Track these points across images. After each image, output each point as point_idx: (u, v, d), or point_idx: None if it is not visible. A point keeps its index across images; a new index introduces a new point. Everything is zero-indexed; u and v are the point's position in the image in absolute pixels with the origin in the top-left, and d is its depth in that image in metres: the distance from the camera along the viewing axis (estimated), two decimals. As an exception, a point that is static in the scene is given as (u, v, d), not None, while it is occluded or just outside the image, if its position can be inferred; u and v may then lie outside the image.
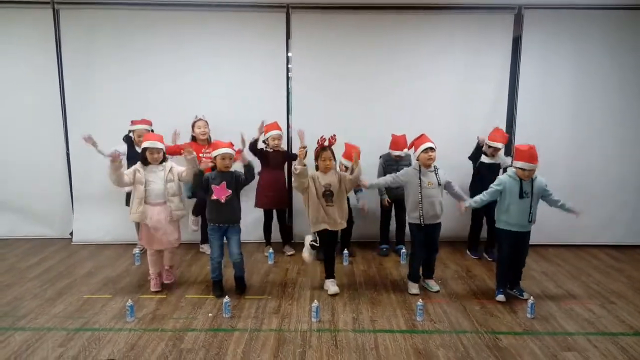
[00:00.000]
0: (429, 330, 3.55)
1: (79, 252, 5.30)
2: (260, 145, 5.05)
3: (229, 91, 5.45)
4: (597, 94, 5.43)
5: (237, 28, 5.37)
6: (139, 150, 4.27)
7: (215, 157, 3.99)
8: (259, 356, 3.17)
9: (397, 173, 4.26)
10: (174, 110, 5.38)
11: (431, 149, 4.08)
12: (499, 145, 4.86)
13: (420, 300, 3.77)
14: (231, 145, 4.04)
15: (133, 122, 4.99)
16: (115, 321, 3.64)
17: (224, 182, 3.97)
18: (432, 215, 4.10)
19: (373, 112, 5.48)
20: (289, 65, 5.51)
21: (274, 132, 5.00)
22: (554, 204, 4.06)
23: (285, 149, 5.36)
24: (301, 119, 5.44)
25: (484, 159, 4.95)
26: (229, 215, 4.05)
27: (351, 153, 4.37)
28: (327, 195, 4.10)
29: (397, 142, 5.03)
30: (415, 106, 5.48)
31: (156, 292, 4.15)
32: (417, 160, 4.16)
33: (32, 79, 5.46)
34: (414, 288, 4.20)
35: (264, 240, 5.32)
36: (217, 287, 4.14)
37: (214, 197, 3.98)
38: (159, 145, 4.02)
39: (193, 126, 5.07)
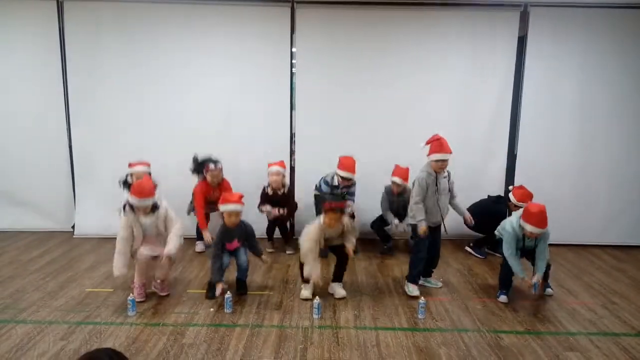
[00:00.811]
0: (430, 328, 3.55)
1: (80, 246, 5.31)
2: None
3: (232, 85, 5.44)
4: (603, 93, 5.41)
5: (242, 23, 5.35)
6: None
7: (223, 212, 3.89)
8: (260, 352, 3.16)
9: (415, 186, 4.00)
10: (178, 103, 5.39)
11: (444, 160, 3.90)
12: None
13: (422, 298, 3.77)
14: (240, 199, 3.91)
15: (131, 165, 4.74)
16: (117, 315, 3.64)
17: (235, 239, 3.96)
18: (439, 218, 4.07)
19: (377, 108, 5.47)
20: (293, 61, 5.49)
21: (274, 168, 4.97)
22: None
23: (287, 182, 5.23)
24: (305, 114, 5.44)
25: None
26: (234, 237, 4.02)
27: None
28: (322, 254, 4.08)
29: (400, 173, 4.95)
30: (419, 102, 5.47)
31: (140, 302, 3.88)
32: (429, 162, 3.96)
33: (35, 73, 5.45)
34: (415, 290, 4.09)
35: (266, 236, 5.31)
36: (213, 288, 3.99)
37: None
38: (148, 202, 3.78)
39: (206, 169, 4.84)
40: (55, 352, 3.11)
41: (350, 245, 3.93)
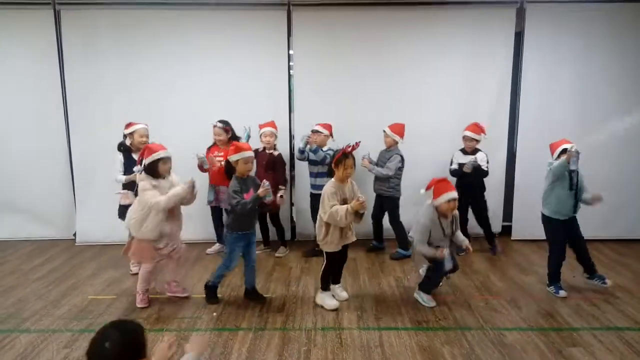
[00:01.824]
0: (433, 327, 3.55)
1: (82, 253, 5.31)
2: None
3: (231, 89, 5.43)
4: (601, 87, 5.41)
5: (238, 26, 5.36)
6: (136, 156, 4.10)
7: (237, 160, 3.73)
8: (264, 355, 3.17)
9: (421, 219, 3.84)
10: (176, 108, 5.39)
11: (455, 199, 3.77)
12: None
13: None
14: (250, 148, 3.89)
15: (129, 125, 4.54)
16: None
17: (251, 189, 3.78)
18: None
19: (375, 108, 5.46)
20: (291, 63, 5.50)
21: (267, 129, 5.00)
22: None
23: (278, 151, 5.13)
24: (303, 116, 5.45)
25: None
26: (254, 220, 3.94)
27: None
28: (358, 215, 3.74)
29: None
30: (418, 101, 5.47)
31: (143, 308, 3.89)
32: (435, 207, 3.81)
33: (33, 80, 5.46)
34: (431, 301, 3.93)
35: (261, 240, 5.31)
36: (215, 294, 4.01)
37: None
38: (170, 155, 3.80)
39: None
40: (59, 361, 3.12)
41: (363, 197, 3.63)
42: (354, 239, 3.92)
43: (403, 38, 5.38)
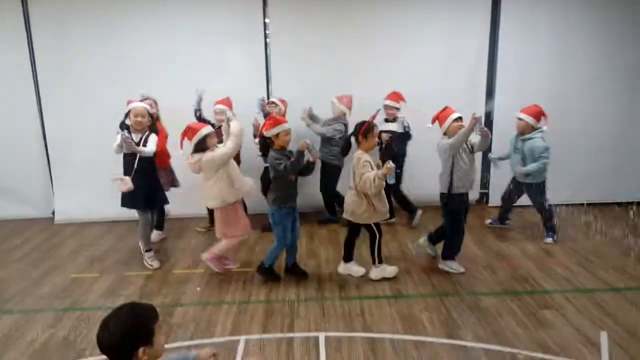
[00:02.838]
0: (412, 294, 3.65)
1: (62, 231, 5.28)
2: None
3: (206, 63, 5.35)
4: (577, 55, 5.46)
5: (215, 4, 5.26)
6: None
7: (277, 134, 3.66)
8: (248, 327, 3.24)
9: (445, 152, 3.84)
10: (150, 85, 5.26)
11: (460, 117, 3.86)
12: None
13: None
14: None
15: (128, 103, 4.21)
16: (104, 299, 3.67)
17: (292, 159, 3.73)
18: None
19: (353, 77, 5.42)
20: (267, 32, 5.40)
21: (218, 107, 4.79)
22: None
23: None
24: (280, 88, 5.41)
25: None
26: (296, 193, 3.87)
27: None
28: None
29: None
30: (396, 73, 5.44)
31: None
32: (446, 133, 3.87)
33: (3, 63, 5.32)
34: (460, 267, 4.02)
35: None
36: (274, 272, 3.95)
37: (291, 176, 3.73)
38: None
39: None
40: (45, 340, 3.14)
41: (392, 164, 3.58)
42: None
43: (379, 8, 5.33)
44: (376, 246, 3.87)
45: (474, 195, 5.81)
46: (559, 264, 4.15)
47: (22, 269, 4.28)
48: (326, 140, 5.01)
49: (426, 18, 5.41)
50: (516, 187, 4.79)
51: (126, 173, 3.99)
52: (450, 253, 4.05)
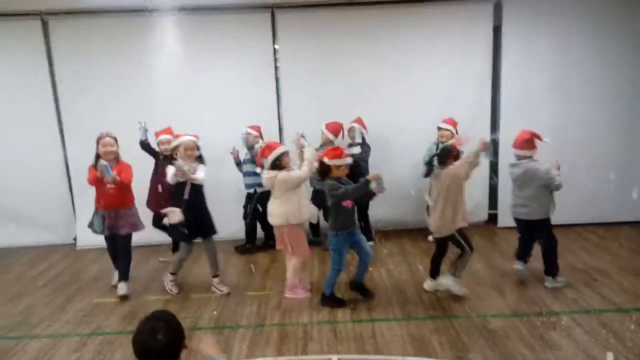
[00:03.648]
0: (422, 317, 3.76)
1: (84, 257, 5.47)
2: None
3: (218, 92, 5.59)
4: (578, 77, 5.60)
5: (225, 29, 5.50)
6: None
7: (339, 166, 3.80)
8: (264, 351, 3.37)
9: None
10: (166, 112, 5.51)
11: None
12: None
13: None
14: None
15: (177, 136, 4.38)
16: (126, 324, 3.83)
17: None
18: None
19: (360, 104, 5.59)
20: (277, 64, 5.63)
21: (163, 137, 4.86)
22: None
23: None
24: (290, 116, 5.61)
25: None
26: (355, 217, 4.01)
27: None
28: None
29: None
30: (401, 95, 5.64)
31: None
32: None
33: (25, 90, 5.59)
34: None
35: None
36: (337, 298, 4.04)
37: (345, 204, 3.84)
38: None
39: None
40: (71, 365, 3.30)
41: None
42: None
43: (385, 36, 5.53)
44: (463, 260, 3.99)
45: (483, 216, 5.93)
46: (566, 284, 4.22)
47: (47, 295, 4.46)
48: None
49: (431, 45, 5.59)
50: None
51: (175, 204, 4.12)
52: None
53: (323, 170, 3.87)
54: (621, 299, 3.92)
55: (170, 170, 4.00)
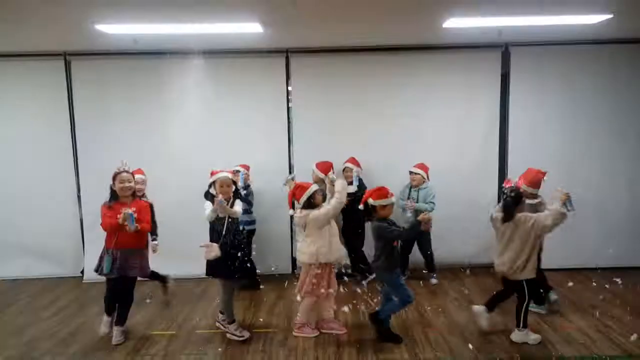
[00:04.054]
0: (429, 358, 3.70)
1: (90, 290, 5.46)
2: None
3: (233, 133, 5.74)
4: (587, 125, 5.70)
5: (241, 72, 5.70)
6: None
7: (385, 205, 3.84)
8: (268, 389, 3.32)
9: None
10: (183, 151, 5.68)
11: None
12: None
13: None
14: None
15: (213, 173, 4.23)
16: (130, 358, 3.79)
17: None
18: None
19: (369, 147, 5.73)
20: (290, 106, 5.80)
21: (138, 177, 4.57)
22: None
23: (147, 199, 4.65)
24: (303, 157, 5.72)
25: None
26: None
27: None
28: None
29: None
30: (410, 142, 5.75)
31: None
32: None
33: (44, 126, 5.77)
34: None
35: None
36: (394, 333, 4.05)
37: (395, 243, 3.94)
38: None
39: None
40: (73, 398, 3.26)
41: None
42: None
43: (394, 80, 5.69)
44: (523, 309, 3.91)
45: (487, 257, 5.87)
46: (577, 329, 4.16)
47: (52, 328, 4.44)
48: None
49: (440, 90, 5.72)
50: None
51: (212, 240, 4.04)
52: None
53: (368, 211, 3.91)
54: (633, 345, 3.84)
55: (209, 207, 4.01)
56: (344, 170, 5.41)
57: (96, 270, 4.07)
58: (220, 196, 3.97)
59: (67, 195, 5.87)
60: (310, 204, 4.05)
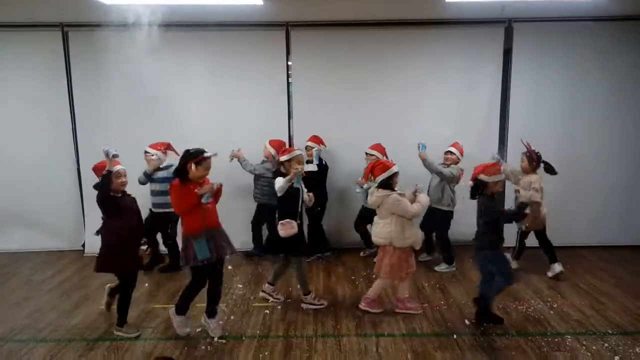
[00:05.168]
0: (427, 333, 3.77)
1: (91, 264, 5.40)
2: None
3: (233, 106, 5.70)
4: (587, 102, 5.67)
5: (239, 46, 5.62)
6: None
7: (497, 182, 3.82)
8: (268, 362, 3.39)
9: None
10: (181, 123, 5.64)
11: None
12: None
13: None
14: None
15: (285, 151, 4.28)
16: (132, 331, 3.85)
17: None
18: None
19: (370, 122, 5.71)
20: (290, 80, 5.74)
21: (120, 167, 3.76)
22: None
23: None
24: (302, 132, 5.69)
25: None
26: None
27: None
28: None
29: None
30: (411, 117, 5.72)
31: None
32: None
33: (43, 98, 5.71)
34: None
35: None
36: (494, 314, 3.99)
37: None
38: None
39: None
40: (77, 369, 3.33)
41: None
42: None
43: (396, 56, 5.64)
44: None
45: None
46: (572, 306, 4.23)
47: (54, 300, 4.50)
48: (257, 180, 5.42)
49: (442, 65, 5.68)
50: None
51: (290, 216, 4.06)
52: None
53: (477, 187, 3.82)
54: (626, 321, 3.92)
55: (280, 181, 3.99)
56: (305, 148, 5.34)
57: (187, 263, 3.63)
58: (299, 167, 4.03)
59: (67, 168, 5.86)
60: (388, 185, 3.96)
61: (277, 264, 4.45)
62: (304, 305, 4.27)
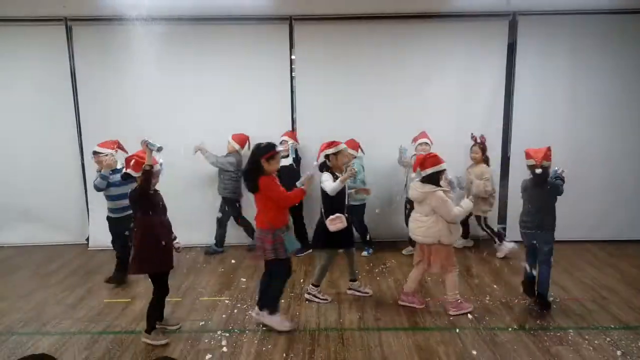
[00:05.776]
0: (429, 327, 3.78)
1: (95, 258, 5.55)
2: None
3: (236, 99, 5.70)
4: (591, 94, 5.65)
5: (243, 39, 5.62)
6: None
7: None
8: (271, 355, 3.40)
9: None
10: (185, 116, 5.65)
11: None
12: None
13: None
14: None
15: (332, 144, 4.08)
16: (136, 324, 3.88)
17: None
18: None
19: (373, 115, 5.71)
20: (293, 74, 5.73)
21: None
22: None
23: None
24: (306, 126, 5.69)
25: None
26: None
27: None
28: None
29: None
30: (415, 110, 5.70)
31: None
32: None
33: (46, 92, 5.73)
34: None
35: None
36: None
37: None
38: None
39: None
40: (81, 361, 3.35)
41: None
42: None
43: (400, 49, 5.62)
44: None
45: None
46: (574, 300, 4.22)
47: (58, 294, 4.53)
48: (221, 175, 5.43)
49: (446, 59, 5.68)
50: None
51: (338, 211, 4.01)
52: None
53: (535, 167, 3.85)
54: (629, 316, 3.91)
55: (329, 178, 3.97)
56: (280, 143, 5.21)
57: (282, 256, 3.62)
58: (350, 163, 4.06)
59: (71, 162, 5.89)
60: (434, 180, 3.87)
61: (321, 262, 4.29)
62: (306, 295, 4.29)
